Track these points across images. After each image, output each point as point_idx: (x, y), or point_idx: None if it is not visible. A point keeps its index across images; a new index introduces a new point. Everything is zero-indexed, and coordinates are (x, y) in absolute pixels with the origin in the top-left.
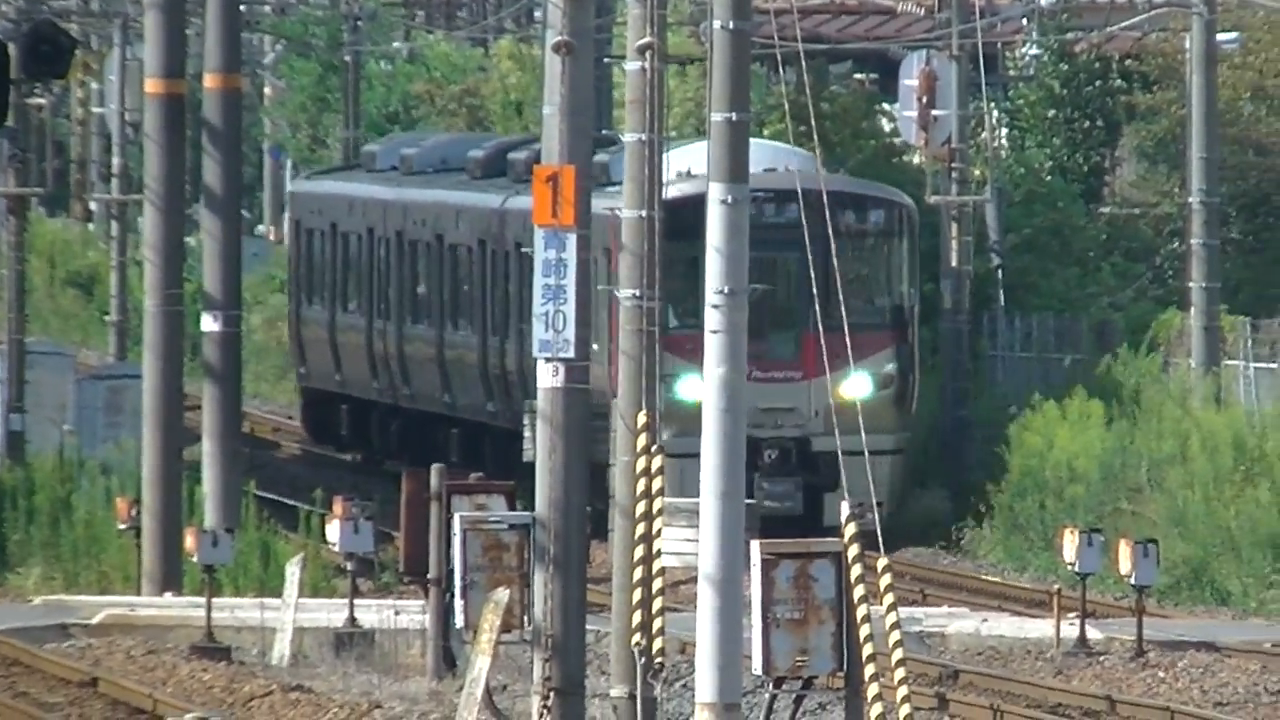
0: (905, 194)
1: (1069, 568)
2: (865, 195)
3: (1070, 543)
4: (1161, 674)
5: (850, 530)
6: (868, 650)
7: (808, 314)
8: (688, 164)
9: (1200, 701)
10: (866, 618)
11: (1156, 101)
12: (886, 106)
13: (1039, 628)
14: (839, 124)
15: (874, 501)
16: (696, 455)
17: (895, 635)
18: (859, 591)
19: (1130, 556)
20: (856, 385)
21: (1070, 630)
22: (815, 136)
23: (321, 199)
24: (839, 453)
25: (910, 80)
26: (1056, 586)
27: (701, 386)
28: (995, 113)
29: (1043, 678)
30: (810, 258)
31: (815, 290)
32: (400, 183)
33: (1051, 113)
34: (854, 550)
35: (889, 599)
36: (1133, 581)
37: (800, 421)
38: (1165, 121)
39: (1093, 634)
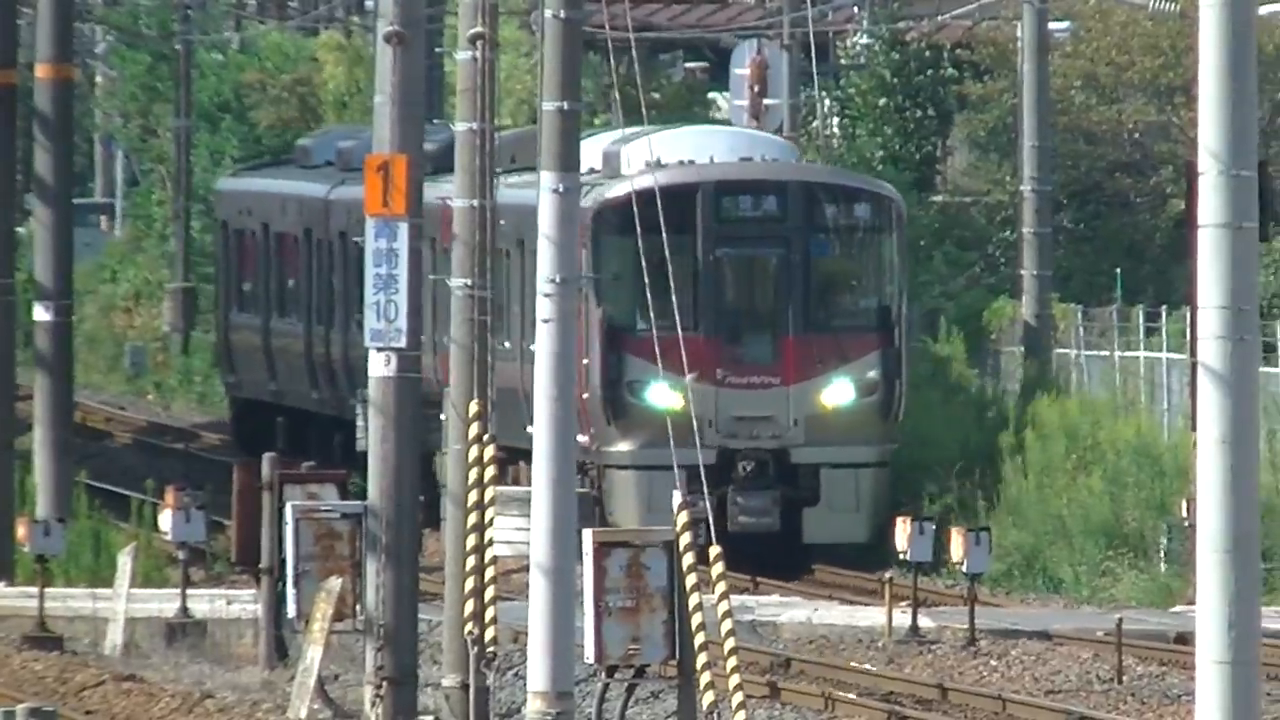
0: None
1: (901, 556)
2: (850, 187)
3: (902, 531)
4: (994, 662)
5: (682, 519)
6: (700, 639)
7: (786, 315)
8: (656, 152)
9: (1032, 689)
10: (699, 606)
11: (988, 90)
12: (718, 95)
13: (871, 616)
14: (668, 113)
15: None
16: (668, 467)
17: (727, 624)
18: (691, 580)
19: (962, 545)
20: (838, 392)
21: (902, 619)
22: (645, 126)
23: (252, 198)
24: (819, 465)
25: (742, 69)
26: (888, 575)
27: (671, 394)
28: (826, 101)
29: (875, 666)
30: (790, 254)
31: (795, 290)
32: (340, 179)
33: (883, 101)
34: (685, 539)
35: (721, 587)
36: (964, 570)
37: (778, 431)
38: (997, 110)
39: (925, 622)
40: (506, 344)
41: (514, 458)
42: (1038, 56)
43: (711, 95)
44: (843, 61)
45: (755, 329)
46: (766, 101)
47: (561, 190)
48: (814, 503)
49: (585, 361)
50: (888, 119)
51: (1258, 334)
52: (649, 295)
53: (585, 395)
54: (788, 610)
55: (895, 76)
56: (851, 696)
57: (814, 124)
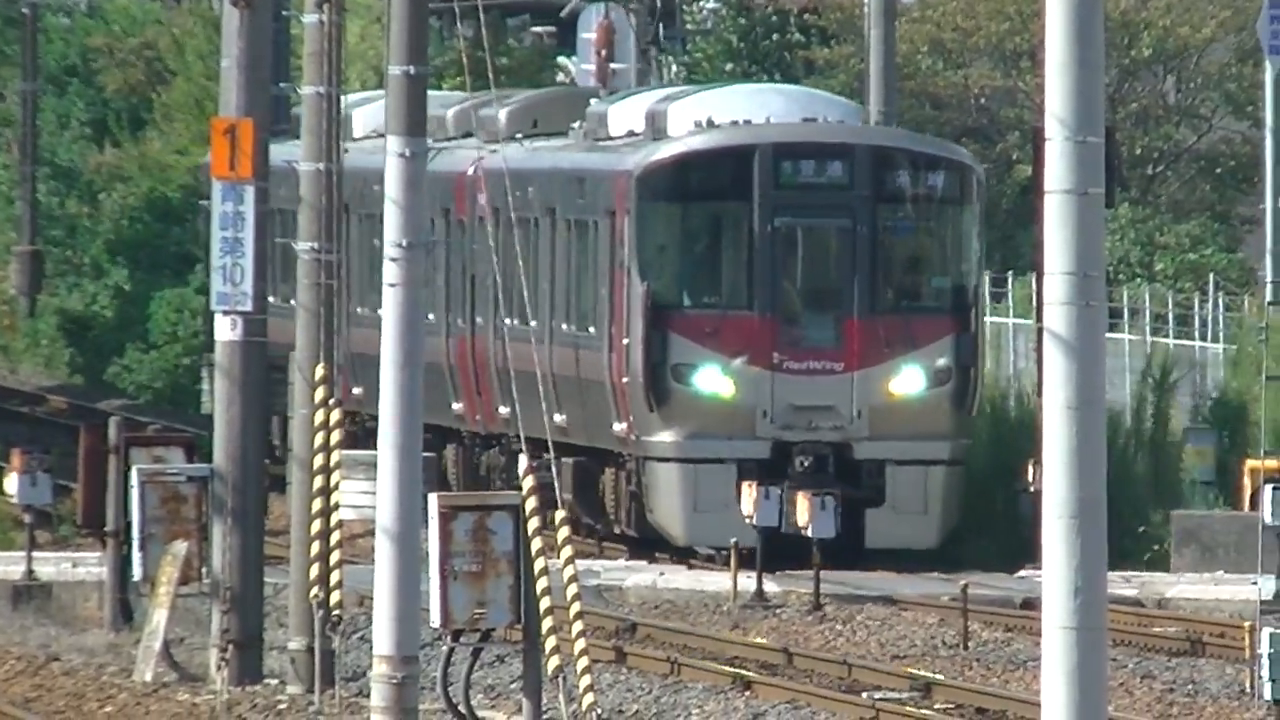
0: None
1: (747, 521)
2: (926, 154)
3: (748, 496)
4: (839, 627)
5: (528, 483)
6: (546, 603)
7: (851, 294)
8: (706, 113)
9: (878, 654)
10: (545, 571)
11: (834, 55)
12: (565, 60)
13: (716, 581)
14: (517, 78)
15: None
16: (720, 460)
17: (573, 588)
18: (537, 544)
19: (808, 510)
20: (908, 380)
21: (747, 583)
22: (493, 91)
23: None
24: (885, 461)
25: (588, 34)
26: (734, 540)
27: (721, 379)
28: (673, 66)
29: (720, 631)
30: (856, 226)
31: (861, 265)
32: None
33: (729, 66)
34: (532, 503)
35: (567, 552)
36: (809, 534)
37: (840, 423)
38: (843, 75)
39: (770, 587)
40: (430, 317)
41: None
42: (884, 21)
43: (559, 60)
44: (689, 26)
45: (816, 308)
46: (613, 66)
47: (408, 154)
48: (878, 503)
49: (625, 341)
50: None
51: (1104, 300)
52: (698, 269)
53: (625, 379)
54: (633, 575)
55: (742, 41)
56: (697, 662)
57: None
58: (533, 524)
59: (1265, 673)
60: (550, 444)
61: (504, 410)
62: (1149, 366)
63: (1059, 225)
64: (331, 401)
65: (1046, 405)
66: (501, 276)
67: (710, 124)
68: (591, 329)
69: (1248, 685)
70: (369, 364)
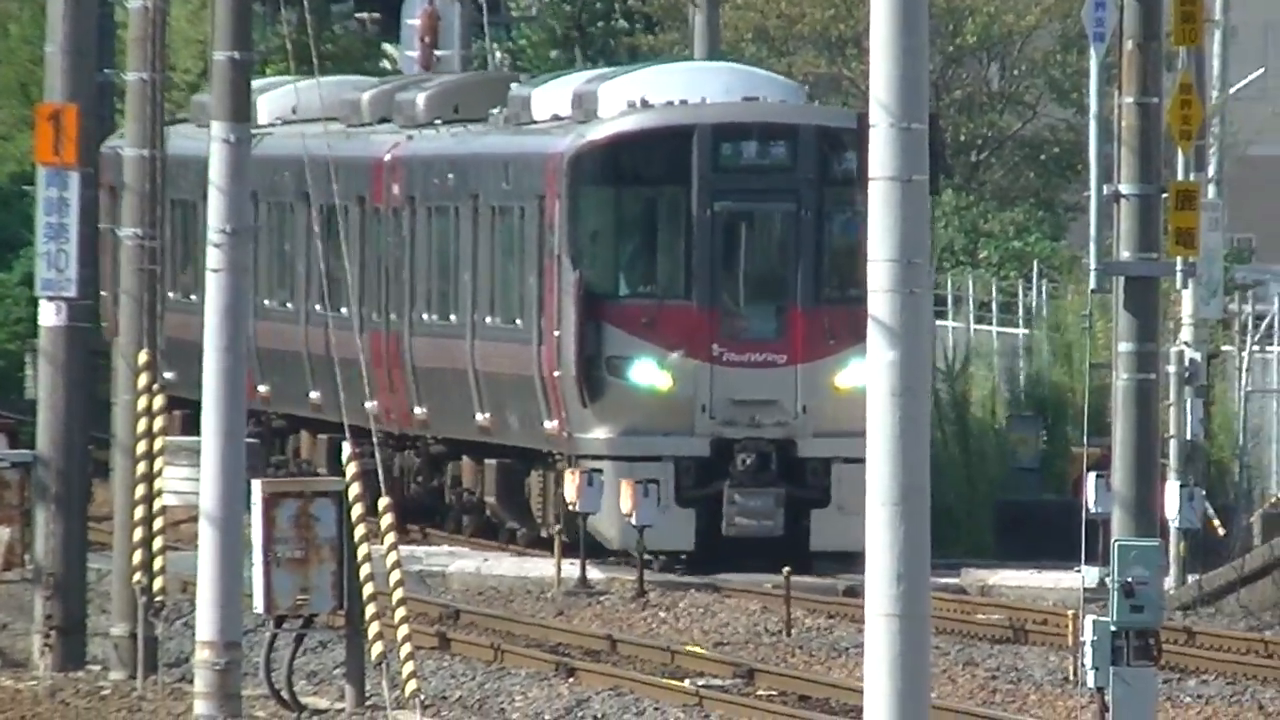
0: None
1: (571, 507)
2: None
3: (571, 482)
4: (662, 614)
5: (351, 469)
6: (369, 589)
7: (795, 282)
8: (640, 92)
9: (701, 641)
10: (368, 557)
11: (660, 42)
12: (389, 47)
13: (540, 567)
14: (342, 64)
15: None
16: (655, 458)
17: (396, 574)
18: (360, 531)
19: (632, 497)
20: (855, 374)
21: (572, 570)
22: (317, 76)
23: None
24: (831, 460)
25: (413, 20)
26: (558, 527)
27: (658, 372)
28: (498, 53)
29: (544, 618)
30: (800, 210)
31: (805, 252)
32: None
33: (554, 53)
34: (355, 489)
35: (390, 538)
36: (633, 522)
37: (783, 418)
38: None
39: (594, 574)
40: (289, 304)
41: (294, 426)
42: (709, 8)
43: (384, 47)
44: (514, 13)
45: (758, 298)
46: (438, 53)
47: (233, 140)
48: (824, 504)
49: (556, 333)
50: (560, 71)
51: (929, 287)
52: (634, 256)
53: (556, 373)
54: (457, 561)
55: (566, 28)
56: (521, 649)
57: None
58: (356, 510)
59: (1088, 660)
60: (403, 436)
61: (420, 411)
62: (948, 355)
63: (883, 212)
64: (155, 387)
65: (871, 393)
66: (417, 268)
67: (645, 104)
68: (519, 321)
69: (1071, 673)
70: (275, 359)
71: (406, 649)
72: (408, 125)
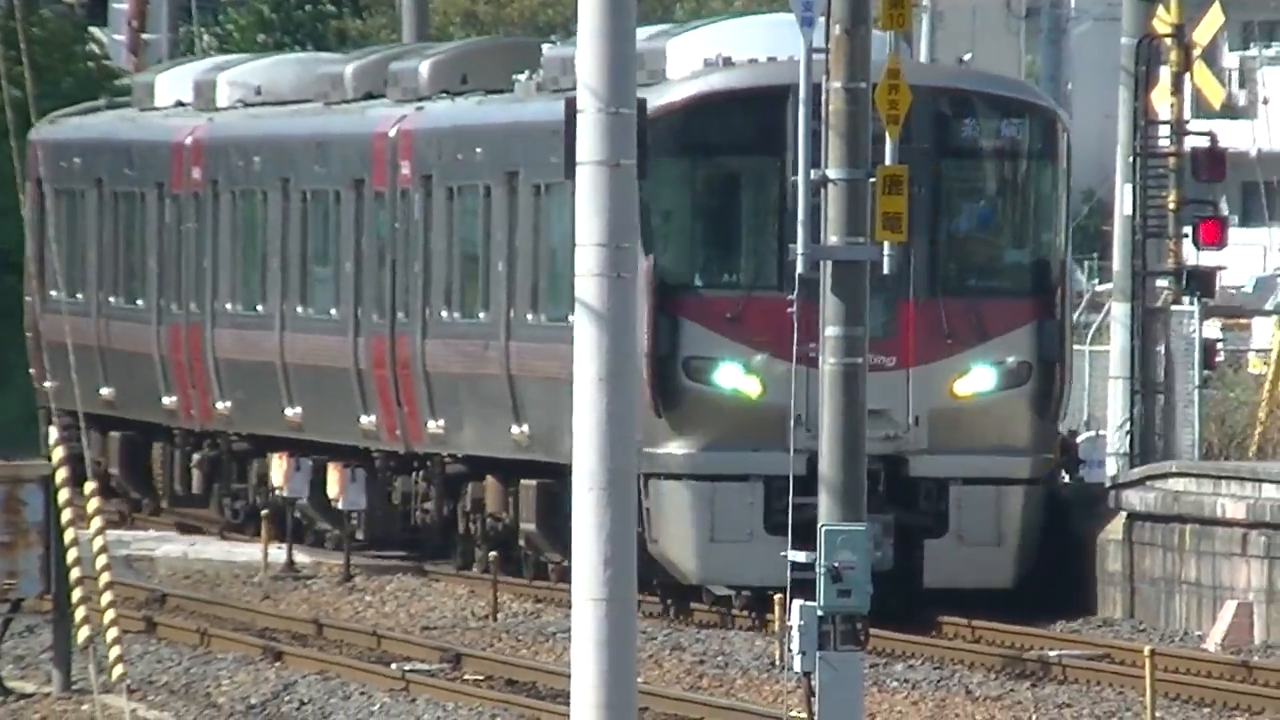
0: None
1: (277, 493)
2: (1003, 97)
3: (278, 467)
4: (369, 598)
5: (58, 454)
6: (76, 573)
7: (906, 272)
8: (717, 48)
9: (408, 625)
10: (75, 541)
11: (368, 27)
12: (97, 31)
13: (248, 552)
14: (49, 49)
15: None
16: (741, 478)
17: (103, 559)
18: (67, 515)
19: (339, 482)
20: (977, 379)
21: (279, 554)
22: (26, 62)
23: (84, 146)
24: (948, 480)
25: (121, 4)
26: (265, 512)
27: (746, 376)
28: (206, 37)
29: (251, 601)
30: (916, 188)
31: (918, 237)
32: (206, 118)
33: (261, 37)
34: (62, 474)
35: (97, 522)
36: (340, 507)
37: (892, 431)
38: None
39: (301, 558)
40: (185, 306)
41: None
42: None
43: (92, 30)
44: None
45: None
46: (145, 37)
47: None
48: (939, 532)
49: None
50: (267, 55)
51: (636, 271)
52: (717, 240)
53: None
54: (164, 545)
55: (274, 12)
56: (228, 633)
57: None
58: (63, 495)
59: (795, 645)
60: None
61: (434, 426)
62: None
63: (591, 196)
64: None
65: (577, 377)
66: (434, 260)
67: (727, 62)
68: (571, 317)
69: (777, 658)
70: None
71: (113, 633)
72: (408, 98)
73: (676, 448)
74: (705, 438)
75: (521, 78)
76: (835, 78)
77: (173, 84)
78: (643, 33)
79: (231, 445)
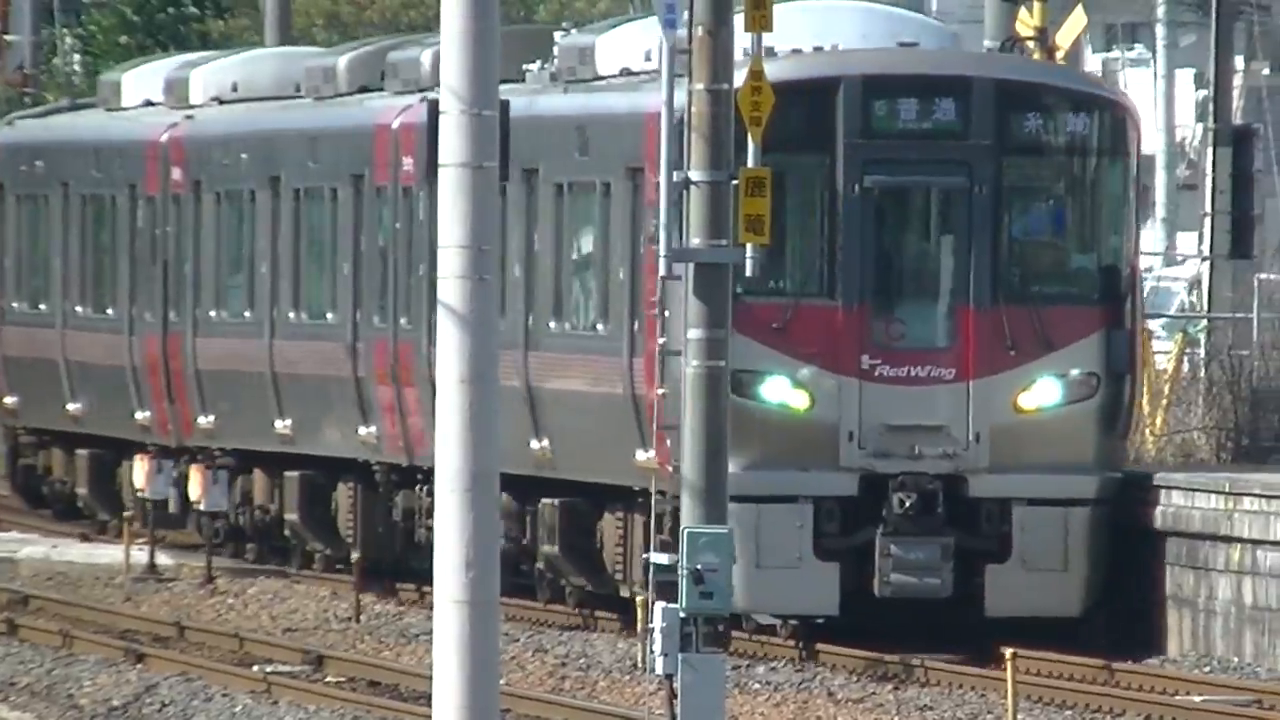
0: None
1: (139, 494)
2: (1070, 89)
3: (141, 469)
4: (231, 600)
5: None
6: None
7: (966, 277)
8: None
9: (270, 627)
10: None
11: (230, 28)
12: None
13: (109, 553)
14: None
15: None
16: (789, 499)
17: None
18: None
19: (200, 484)
20: (1042, 393)
21: (141, 556)
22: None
23: (47, 149)
24: (1011, 500)
25: None
26: (128, 513)
27: (794, 390)
28: (69, 39)
29: (113, 603)
30: (975, 186)
31: (980, 240)
32: (182, 117)
33: (124, 39)
34: None
35: None
36: (202, 508)
37: (951, 448)
38: (241, 49)
39: (163, 560)
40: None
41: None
42: None
43: None
44: None
45: (920, 296)
46: (8, 38)
47: None
48: (1002, 557)
49: (661, 340)
50: (129, 57)
51: (498, 274)
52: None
53: (661, 391)
54: (26, 547)
55: (137, 13)
56: (90, 635)
57: (54, 61)
58: None
59: (657, 647)
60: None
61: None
62: None
63: (454, 199)
64: None
65: (440, 380)
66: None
67: (769, 52)
68: (601, 326)
69: (640, 659)
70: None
71: None
72: (409, 89)
73: None
74: (750, 456)
75: (533, 67)
76: (698, 79)
77: (141, 82)
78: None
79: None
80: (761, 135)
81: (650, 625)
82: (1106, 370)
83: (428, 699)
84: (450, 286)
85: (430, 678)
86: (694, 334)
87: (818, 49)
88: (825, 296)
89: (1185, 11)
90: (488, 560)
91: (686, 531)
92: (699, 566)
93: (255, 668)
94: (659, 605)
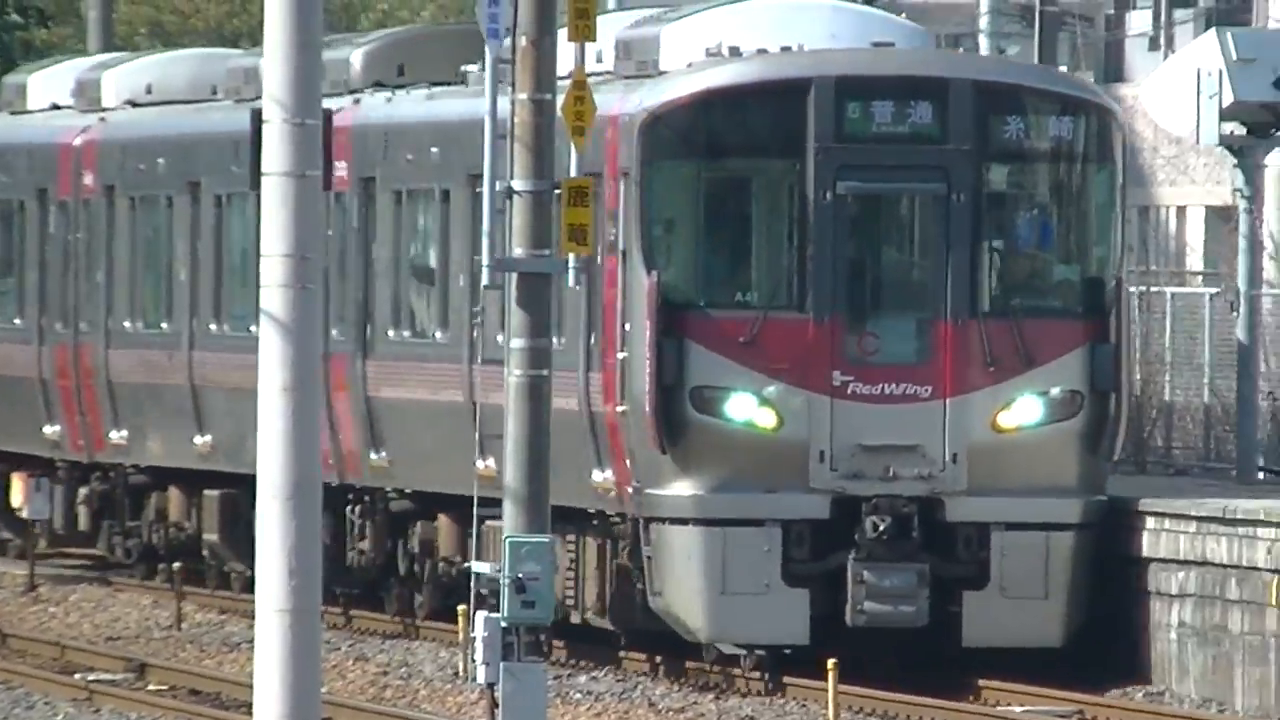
0: None
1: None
2: (1053, 92)
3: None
4: (53, 608)
5: None
6: None
7: (944, 289)
8: (719, 37)
9: (92, 635)
10: None
11: (52, 37)
12: None
13: None
14: None
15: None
16: (756, 522)
17: None
18: None
19: (23, 491)
20: (1022, 411)
21: None
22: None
23: None
24: (990, 525)
25: None
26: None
27: (761, 408)
28: None
29: None
30: (952, 193)
31: (958, 250)
32: (96, 119)
33: None
34: None
35: None
36: (25, 515)
37: (927, 469)
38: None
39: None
40: (17, 321)
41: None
42: (103, 4)
43: None
44: None
45: (894, 309)
46: None
47: None
48: (980, 583)
49: (621, 356)
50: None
51: (321, 282)
52: (728, 254)
53: (622, 408)
54: None
55: None
56: None
57: None
58: None
59: (479, 656)
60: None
61: (378, 457)
62: None
63: (277, 207)
64: None
65: (262, 388)
66: (375, 272)
67: (734, 51)
68: (559, 340)
69: (461, 668)
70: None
71: None
72: (337, 90)
73: (683, 488)
74: (715, 477)
75: (474, 69)
76: (521, 89)
77: (49, 84)
78: (629, 18)
79: (127, 478)
80: (737, 139)
81: (472, 634)
82: (1090, 388)
83: (250, 707)
84: (273, 295)
85: (252, 686)
86: (516, 343)
87: (785, 49)
88: (795, 309)
89: (1009, 22)
90: (310, 568)
91: (508, 540)
92: (520, 575)
93: (77, 676)
94: (480, 615)
